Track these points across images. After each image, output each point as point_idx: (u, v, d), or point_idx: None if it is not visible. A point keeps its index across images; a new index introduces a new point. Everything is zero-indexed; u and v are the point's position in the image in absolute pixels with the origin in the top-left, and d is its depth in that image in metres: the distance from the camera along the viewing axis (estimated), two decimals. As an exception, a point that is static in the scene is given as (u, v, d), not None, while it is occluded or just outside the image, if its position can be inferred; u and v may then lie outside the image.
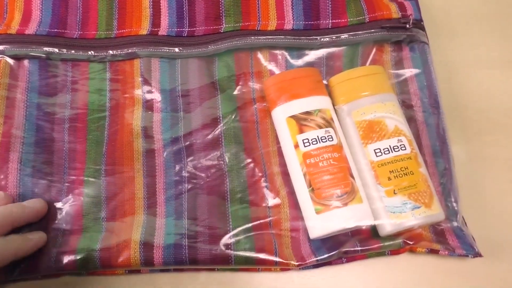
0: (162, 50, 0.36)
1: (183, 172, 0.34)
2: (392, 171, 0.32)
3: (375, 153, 0.32)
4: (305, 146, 0.32)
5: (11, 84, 0.35)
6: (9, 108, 0.35)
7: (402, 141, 0.32)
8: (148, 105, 0.35)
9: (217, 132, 0.35)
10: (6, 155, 0.33)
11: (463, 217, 0.33)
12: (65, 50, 0.36)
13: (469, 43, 0.42)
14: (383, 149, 0.32)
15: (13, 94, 0.35)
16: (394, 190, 0.31)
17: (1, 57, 0.35)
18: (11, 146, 0.34)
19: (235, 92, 0.36)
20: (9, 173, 0.33)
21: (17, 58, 0.36)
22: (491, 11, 0.43)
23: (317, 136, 0.32)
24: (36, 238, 0.31)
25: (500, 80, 0.40)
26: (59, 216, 0.33)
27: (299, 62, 0.37)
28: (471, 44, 0.41)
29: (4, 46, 0.36)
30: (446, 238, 0.32)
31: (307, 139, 0.32)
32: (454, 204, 0.33)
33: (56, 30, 0.37)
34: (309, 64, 0.37)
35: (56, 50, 0.36)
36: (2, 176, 0.33)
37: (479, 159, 0.37)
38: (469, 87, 0.40)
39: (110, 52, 0.36)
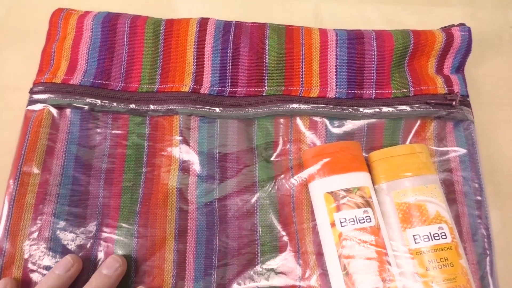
0: (203, 109, 0.36)
1: (215, 241, 0.33)
2: (431, 260, 0.30)
3: (414, 239, 0.31)
4: (342, 226, 0.31)
5: (52, 134, 0.35)
6: (48, 158, 0.35)
7: (443, 229, 0.31)
8: (185, 166, 0.35)
9: (252, 201, 0.34)
10: (42, 206, 0.33)
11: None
12: (107, 102, 0.36)
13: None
14: (423, 236, 0.31)
15: (52, 144, 0.35)
16: (432, 282, 0.30)
17: (44, 105, 0.36)
18: (46, 197, 0.34)
19: (273, 159, 0.36)
20: (42, 226, 0.33)
21: (60, 107, 0.36)
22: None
23: (355, 216, 0.31)
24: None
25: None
26: (88, 274, 0.32)
27: (339, 131, 0.36)
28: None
29: (48, 95, 0.36)
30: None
31: (345, 218, 0.31)
32: (494, 300, 0.32)
33: (100, 81, 0.37)
34: (349, 134, 0.36)
35: (99, 101, 0.36)
36: (35, 228, 0.33)
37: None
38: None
39: (151, 107, 0.36)
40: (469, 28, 0.38)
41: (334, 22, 0.43)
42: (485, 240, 0.33)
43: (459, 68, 0.39)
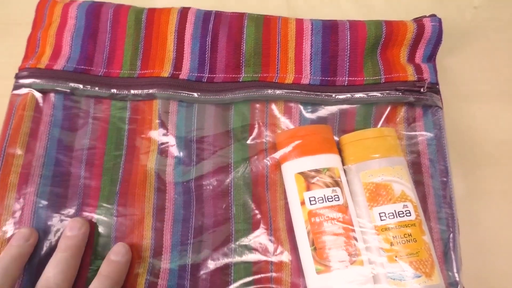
0: (181, 94, 0.38)
1: (191, 220, 0.35)
2: (395, 236, 0.32)
3: (380, 216, 0.33)
4: (311, 204, 0.33)
5: (35, 117, 0.37)
6: (31, 141, 0.36)
7: (407, 207, 0.33)
8: (163, 148, 0.37)
9: (227, 181, 0.36)
10: (25, 186, 0.35)
11: (463, 289, 0.33)
12: (89, 86, 0.38)
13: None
14: (388, 214, 0.33)
15: (36, 127, 0.37)
16: (396, 256, 0.32)
17: (29, 90, 0.37)
18: (30, 178, 0.35)
19: (248, 142, 0.37)
20: (25, 205, 0.34)
21: (44, 92, 0.37)
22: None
23: (324, 195, 0.33)
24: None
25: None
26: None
27: (313, 116, 0.38)
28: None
29: (33, 80, 0.37)
30: (445, 309, 0.33)
31: (314, 197, 0.33)
32: (456, 275, 0.33)
33: (82, 67, 0.38)
34: (323, 119, 0.38)
35: (81, 86, 0.38)
36: (18, 207, 0.34)
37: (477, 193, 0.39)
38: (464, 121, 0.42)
39: (132, 91, 0.38)
40: (439, 19, 0.40)
41: (304, 3, 0.45)
42: (449, 218, 0.35)
43: (431, 58, 0.40)
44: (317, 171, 0.34)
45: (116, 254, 0.32)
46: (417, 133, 0.38)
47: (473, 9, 0.46)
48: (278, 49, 0.39)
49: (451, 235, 0.34)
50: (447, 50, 0.44)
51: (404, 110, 0.38)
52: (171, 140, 0.37)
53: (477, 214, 0.39)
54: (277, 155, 0.35)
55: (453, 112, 0.42)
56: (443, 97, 0.40)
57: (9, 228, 0.34)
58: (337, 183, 0.33)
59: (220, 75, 0.38)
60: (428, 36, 0.40)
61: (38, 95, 0.37)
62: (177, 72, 0.38)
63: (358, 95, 0.38)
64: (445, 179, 0.36)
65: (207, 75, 0.38)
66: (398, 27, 0.39)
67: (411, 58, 0.40)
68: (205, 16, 0.39)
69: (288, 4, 0.46)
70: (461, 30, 0.45)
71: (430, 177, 0.36)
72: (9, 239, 0.33)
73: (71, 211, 0.35)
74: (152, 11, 0.40)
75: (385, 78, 0.38)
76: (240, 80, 0.38)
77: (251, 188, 0.35)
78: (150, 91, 0.37)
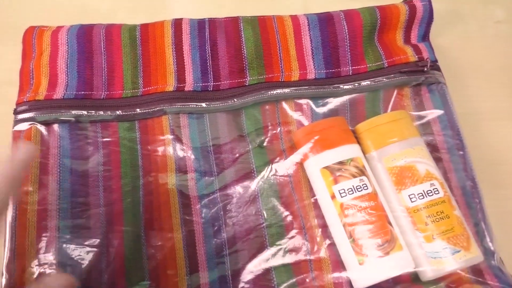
0: (190, 106, 0.37)
1: (222, 231, 0.34)
2: (429, 216, 0.32)
3: (410, 198, 0.33)
4: (341, 197, 0.33)
5: (43, 151, 0.35)
6: (42, 175, 0.35)
7: (434, 185, 0.33)
8: (181, 164, 0.36)
9: (253, 187, 0.35)
10: (45, 223, 0.33)
11: (500, 257, 0.34)
12: (93, 111, 0.37)
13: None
14: (417, 194, 0.33)
15: (45, 161, 0.35)
16: (433, 235, 0.32)
17: (32, 123, 0.36)
18: (47, 213, 0.34)
19: (265, 144, 0.37)
20: (48, 242, 0.33)
21: (47, 123, 0.36)
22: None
23: (353, 186, 0.33)
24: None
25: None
26: (101, 282, 0.33)
27: (324, 109, 0.38)
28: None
29: (34, 113, 0.36)
30: (485, 279, 0.33)
31: (343, 189, 0.33)
32: (490, 244, 0.34)
33: (83, 92, 0.37)
34: (334, 111, 0.38)
35: (85, 112, 0.36)
36: (41, 245, 0.33)
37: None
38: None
39: (138, 110, 0.37)
40: (429, -3, 0.40)
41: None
42: (473, 190, 0.36)
43: (425, 36, 0.41)
44: (341, 163, 0.34)
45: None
46: (427, 111, 0.38)
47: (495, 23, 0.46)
48: (279, 48, 0.39)
49: (478, 206, 0.35)
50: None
51: (410, 91, 0.39)
52: (187, 154, 0.36)
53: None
54: (298, 153, 0.35)
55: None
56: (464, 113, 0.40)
57: (34, 268, 0.33)
58: (362, 172, 0.34)
59: (225, 82, 0.38)
60: (420, 16, 0.40)
61: (41, 127, 0.36)
62: (182, 85, 0.38)
63: (364, 82, 0.38)
64: (461, 152, 0.37)
65: (212, 83, 0.38)
66: (391, 10, 0.40)
67: (407, 39, 0.41)
68: (200, 24, 0.39)
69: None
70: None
71: (447, 152, 0.37)
72: (36, 279, 0.32)
73: (97, 240, 0.34)
74: (145, 26, 0.39)
75: (387, 63, 0.39)
76: (247, 84, 0.38)
77: (277, 190, 0.35)
78: (158, 107, 0.37)
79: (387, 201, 0.34)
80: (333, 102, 0.38)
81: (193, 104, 0.37)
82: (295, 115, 0.38)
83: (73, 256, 0.33)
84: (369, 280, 0.31)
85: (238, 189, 0.35)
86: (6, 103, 0.38)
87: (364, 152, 0.35)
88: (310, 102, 0.38)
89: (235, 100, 0.37)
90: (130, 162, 0.36)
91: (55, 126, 0.36)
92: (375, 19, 0.39)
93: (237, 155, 0.36)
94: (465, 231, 0.32)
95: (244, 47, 0.38)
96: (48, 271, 0.32)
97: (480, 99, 0.42)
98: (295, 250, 0.34)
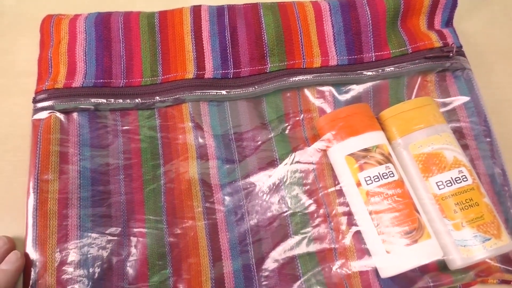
0: (210, 93, 0.36)
1: (245, 219, 0.33)
2: (457, 203, 0.32)
3: (438, 186, 0.32)
4: (367, 184, 0.32)
5: (62, 139, 0.35)
6: (63, 164, 0.34)
7: (463, 172, 0.32)
8: (202, 152, 0.35)
9: (275, 175, 0.34)
10: (65, 211, 0.33)
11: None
12: (112, 99, 0.36)
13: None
14: (445, 182, 0.32)
15: (65, 149, 0.35)
16: (462, 223, 0.31)
17: (51, 112, 0.35)
18: (68, 202, 0.33)
19: (287, 132, 0.36)
20: (69, 230, 0.33)
21: (66, 112, 0.36)
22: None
23: (379, 173, 0.32)
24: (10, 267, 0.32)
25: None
26: (123, 271, 0.32)
27: (347, 96, 0.37)
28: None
29: (53, 101, 0.35)
30: (516, 267, 0.32)
31: (369, 176, 0.32)
32: (520, 232, 0.33)
33: (102, 80, 0.37)
34: (356, 98, 0.37)
35: (104, 100, 0.36)
36: (62, 233, 0.33)
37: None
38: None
39: (158, 98, 0.36)
40: (452, -18, 0.39)
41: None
42: (502, 177, 0.35)
43: (449, 22, 0.40)
44: (367, 150, 0.33)
45: (6, 263, 0.32)
46: (452, 98, 0.37)
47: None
48: (300, 34, 0.38)
49: (507, 194, 0.34)
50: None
51: (435, 77, 0.38)
52: (208, 142, 0.36)
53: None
54: (321, 141, 0.35)
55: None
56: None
57: (57, 256, 0.32)
58: (388, 159, 0.33)
59: (246, 69, 0.37)
60: (444, 1, 0.39)
61: (61, 116, 0.35)
62: (202, 72, 0.37)
63: (388, 68, 0.37)
64: (489, 139, 0.36)
65: (232, 70, 0.37)
66: None
67: (430, 25, 0.40)
68: (219, 11, 0.38)
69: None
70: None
71: (474, 139, 0.36)
72: (58, 267, 0.32)
73: (118, 229, 0.33)
74: (163, 13, 0.38)
75: (411, 48, 0.38)
76: (268, 71, 0.37)
77: (301, 178, 0.34)
78: (178, 95, 0.36)
79: (414, 188, 0.33)
80: (356, 89, 0.37)
81: (213, 92, 0.36)
82: (317, 102, 0.37)
83: (94, 244, 0.33)
84: (397, 269, 0.31)
85: (260, 177, 0.34)
86: (24, 94, 0.38)
87: (388, 139, 0.35)
88: (333, 89, 0.37)
89: (256, 87, 0.37)
90: (150, 150, 0.36)
91: (75, 115, 0.36)
92: (398, 4, 0.38)
93: (259, 142, 0.35)
94: (495, 218, 0.32)
95: (265, 33, 0.37)
96: (70, 259, 0.32)
97: (507, 85, 0.41)
98: (319, 238, 0.33)
